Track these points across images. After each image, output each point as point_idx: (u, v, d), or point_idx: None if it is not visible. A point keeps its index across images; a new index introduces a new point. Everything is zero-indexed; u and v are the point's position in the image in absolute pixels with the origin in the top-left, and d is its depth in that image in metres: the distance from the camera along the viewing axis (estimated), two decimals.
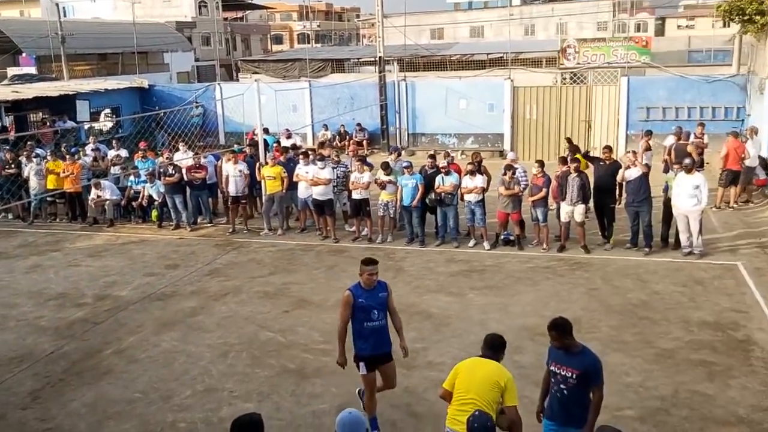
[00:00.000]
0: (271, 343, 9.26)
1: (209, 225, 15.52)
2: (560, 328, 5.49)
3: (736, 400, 7.38)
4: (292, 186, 14.29)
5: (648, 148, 15.59)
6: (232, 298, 11.02)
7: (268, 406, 7.63)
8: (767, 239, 12.93)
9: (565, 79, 23.39)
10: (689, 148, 15.07)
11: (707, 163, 16.54)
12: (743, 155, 15.05)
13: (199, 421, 7.40)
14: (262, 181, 14.50)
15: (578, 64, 23.25)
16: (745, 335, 8.98)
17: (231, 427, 4.14)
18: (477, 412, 4.63)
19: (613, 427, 4.14)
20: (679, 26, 54.56)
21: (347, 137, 23.99)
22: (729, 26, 22.99)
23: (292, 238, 14.33)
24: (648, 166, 12.60)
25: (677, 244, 12.43)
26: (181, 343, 9.40)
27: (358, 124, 24.09)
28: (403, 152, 15.01)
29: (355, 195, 13.62)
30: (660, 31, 52.98)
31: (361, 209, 13.76)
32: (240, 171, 14.60)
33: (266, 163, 14.57)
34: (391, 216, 13.61)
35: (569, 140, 16.41)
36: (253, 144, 16.04)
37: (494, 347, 5.56)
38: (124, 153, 17.99)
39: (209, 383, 8.23)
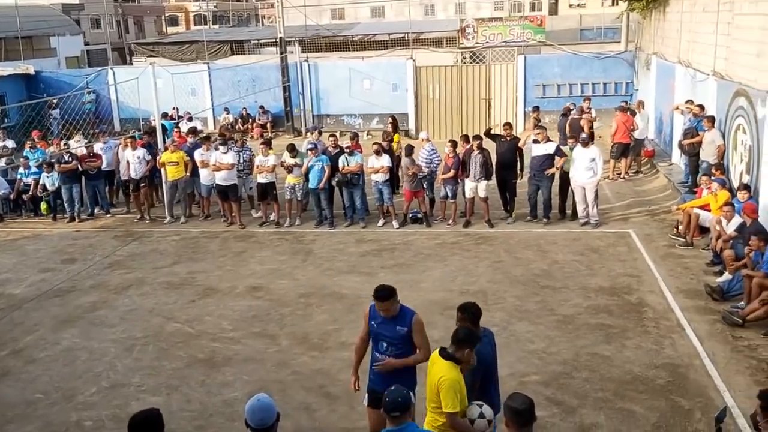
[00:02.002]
0: (179, 335, 9.02)
1: (107, 216, 14.87)
2: (471, 314, 5.36)
3: (631, 360, 7.83)
4: (194, 172, 13.89)
5: (536, 124, 16.12)
6: (135, 290, 10.64)
7: (177, 398, 7.45)
8: (656, 207, 13.72)
9: (465, 58, 23.82)
10: (582, 123, 15.75)
11: (599, 137, 17.33)
12: (632, 128, 15.83)
13: (106, 418, 7.14)
14: (162, 169, 14.01)
15: (477, 43, 23.78)
16: (638, 298, 9.53)
17: (128, 425, 3.97)
18: (393, 388, 4.62)
19: (522, 394, 4.27)
20: (571, 5, 56.47)
21: (250, 120, 23.54)
22: (617, 4, 24.05)
23: (195, 225, 13.96)
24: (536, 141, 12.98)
25: (574, 215, 12.99)
26: (82, 339, 9.00)
27: (261, 107, 23.68)
28: (315, 133, 14.81)
29: (261, 179, 13.41)
30: (553, 10, 54.74)
31: (267, 193, 13.56)
32: (139, 157, 14.07)
33: (166, 149, 14.09)
34: (299, 199, 13.50)
35: (393, 117, 16.28)
36: (150, 131, 15.45)
37: (455, 341, 4.93)
38: (10, 144, 16.92)
39: (115, 379, 7.93)
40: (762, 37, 10.77)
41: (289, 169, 13.26)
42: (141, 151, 14.18)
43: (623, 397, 7.00)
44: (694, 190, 12.70)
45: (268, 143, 13.87)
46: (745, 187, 10.74)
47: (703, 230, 11.39)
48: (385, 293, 5.59)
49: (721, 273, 9.90)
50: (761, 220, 10.15)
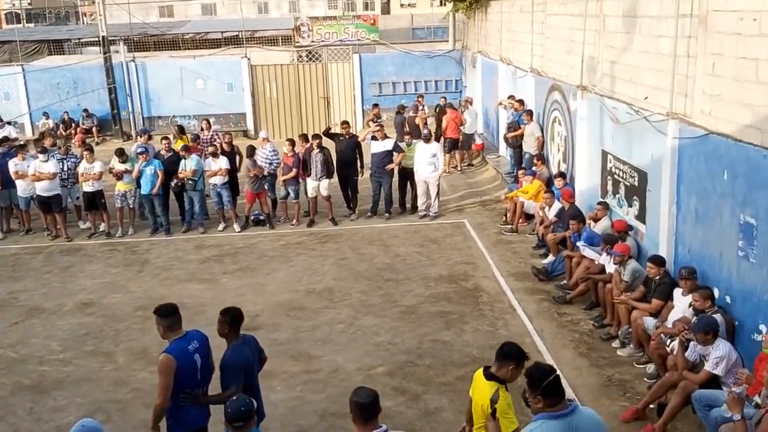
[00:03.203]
0: (1, 361, 8.24)
1: None
2: (231, 317, 5.27)
3: (469, 343, 8.25)
4: (9, 183, 12.70)
5: (374, 119, 16.48)
6: None
7: (3, 429, 6.80)
8: (487, 197, 14.53)
9: (301, 57, 23.78)
10: (417, 120, 16.33)
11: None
12: (461, 123, 16.61)
13: None
14: None
15: (313, 42, 23.76)
16: (474, 284, 10.05)
17: None
18: (235, 397, 4.51)
19: (366, 388, 4.33)
20: (402, 4, 58.27)
21: (73, 125, 21.93)
22: (445, 5, 25.06)
23: (15, 241, 12.79)
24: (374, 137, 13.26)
25: (414, 209, 13.44)
26: None
27: (85, 110, 22.13)
28: (144, 136, 14.06)
29: (87, 187, 12.54)
30: (386, 10, 56.19)
31: (95, 202, 12.71)
32: None
33: None
34: (131, 206, 12.79)
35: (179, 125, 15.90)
36: None
37: (498, 357, 4.67)
38: None
39: None
40: (571, 35, 11.73)
41: (119, 176, 12.52)
42: None
43: (464, 379, 7.32)
44: (519, 179, 13.60)
45: (90, 149, 13.02)
46: (561, 174, 11.68)
47: (529, 217, 12.23)
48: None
49: (545, 255, 10.70)
50: (578, 204, 11.09)
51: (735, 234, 6.77)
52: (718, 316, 6.54)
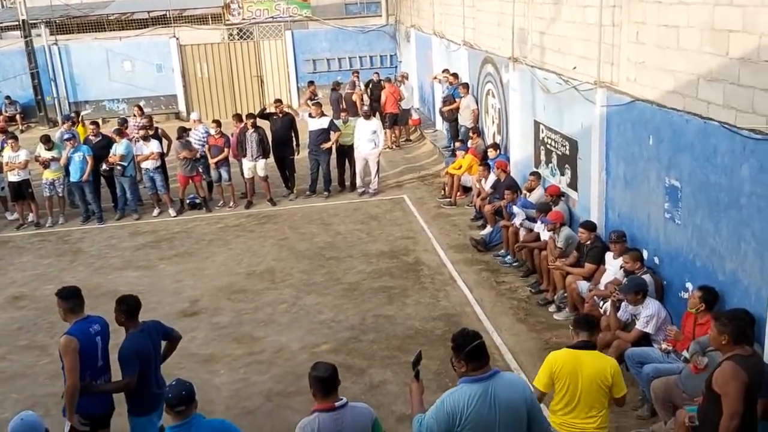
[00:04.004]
0: None
1: None
2: (127, 305, 5.23)
3: (412, 316, 8.34)
4: None
5: (311, 97, 16.33)
6: None
7: None
8: (426, 172, 14.63)
9: (232, 35, 23.24)
10: (354, 97, 16.24)
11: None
12: (400, 98, 16.60)
13: None
14: None
15: (244, 19, 23.24)
16: (414, 258, 10.14)
17: None
18: (174, 382, 4.44)
19: (324, 362, 4.27)
20: None
21: None
22: None
23: None
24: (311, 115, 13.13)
25: (353, 186, 13.42)
26: None
27: (7, 97, 21.17)
28: (68, 122, 13.57)
29: (12, 177, 12.03)
30: None
31: (22, 192, 12.21)
32: None
33: None
34: (60, 195, 12.35)
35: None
36: None
37: (591, 325, 4.84)
38: None
39: None
40: (501, 7, 11.82)
41: (45, 164, 12.06)
42: None
43: (407, 351, 7.40)
44: (456, 153, 13.72)
45: (14, 137, 12.48)
46: (495, 146, 11.86)
47: (467, 189, 12.38)
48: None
49: (483, 227, 10.88)
50: (513, 174, 11.28)
51: (661, 197, 7.02)
52: (647, 277, 6.80)
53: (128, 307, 5.23)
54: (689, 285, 6.58)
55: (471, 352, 3.89)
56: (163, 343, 5.55)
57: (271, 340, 7.99)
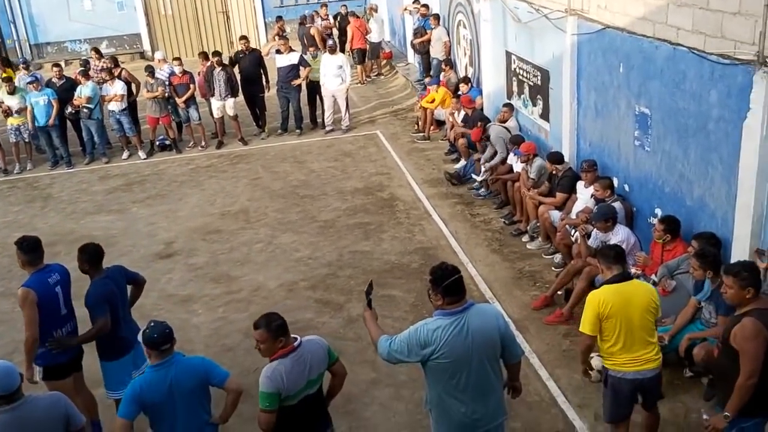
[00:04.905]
0: None
1: None
2: (89, 254, 5.23)
3: (388, 251, 8.42)
4: None
5: (279, 33, 15.93)
6: None
7: None
8: (399, 106, 14.50)
9: None
10: (312, 31, 15.84)
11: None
12: (366, 32, 16.27)
13: None
14: None
15: None
16: (389, 194, 10.16)
17: None
18: (151, 323, 4.47)
19: (272, 313, 4.34)
20: None
21: None
22: None
23: None
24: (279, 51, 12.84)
25: (325, 123, 13.28)
26: None
27: None
28: (30, 66, 13.15)
29: None
30: None
31: None
32: None
33: None
34: (26, 141, 12.07)
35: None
36: None
37: (622, 255, 4.71)
38: None
39: None
40: None
41: (7, 111, 11.72)
42: None
43: (384, 285, 7.52)
44: (427, 87, 13.58)
45: None
46: (466, 80, 11.75)
47: (440, 123, 12.32)
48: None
49: (457, 160, 10.89)
50: (486, 107, 11.24)
51: (631, 125, 7.07)
52: (617, 204, 6.91)
53: (90, 255, 5.21)
54: (658, 211, 6.71)
55: (449, 286, 3.94)
56: (129, 289, 5.55)
57: (249, 279, 8.03)
